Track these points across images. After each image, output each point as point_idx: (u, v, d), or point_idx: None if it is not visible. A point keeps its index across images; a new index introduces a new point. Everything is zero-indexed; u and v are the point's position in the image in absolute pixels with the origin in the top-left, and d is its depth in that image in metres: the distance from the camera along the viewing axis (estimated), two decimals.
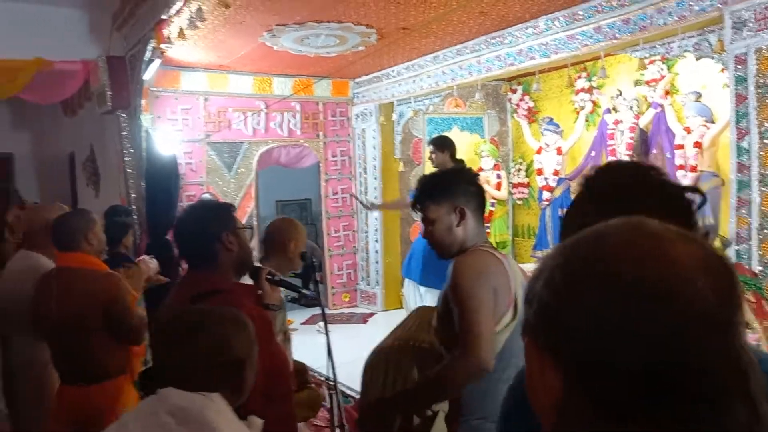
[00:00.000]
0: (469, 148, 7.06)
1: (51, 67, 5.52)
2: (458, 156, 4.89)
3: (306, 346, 3.44)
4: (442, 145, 4.89)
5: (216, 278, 2.01)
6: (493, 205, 6.66)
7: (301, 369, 3.00)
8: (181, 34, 4.58)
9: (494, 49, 5.19)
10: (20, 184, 8.63)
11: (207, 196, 6.05)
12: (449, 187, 2.00)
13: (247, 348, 1.52)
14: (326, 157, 7.17)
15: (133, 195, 5.91)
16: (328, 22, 4.72)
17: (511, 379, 1.18)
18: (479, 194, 2.02)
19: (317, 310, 2.61)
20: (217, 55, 5.62)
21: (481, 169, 6.67)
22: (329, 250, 7.26)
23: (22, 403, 3.05)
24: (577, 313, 0.56)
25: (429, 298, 4.48)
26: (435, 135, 6.84)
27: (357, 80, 7.08)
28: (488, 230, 6.65)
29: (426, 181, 2.07)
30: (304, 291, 2.62)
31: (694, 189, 1.05)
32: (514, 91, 6.95)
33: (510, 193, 6.98)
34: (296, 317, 6.18)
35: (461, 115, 7.17)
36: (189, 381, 1.39)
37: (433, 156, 4.87)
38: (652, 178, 1.05)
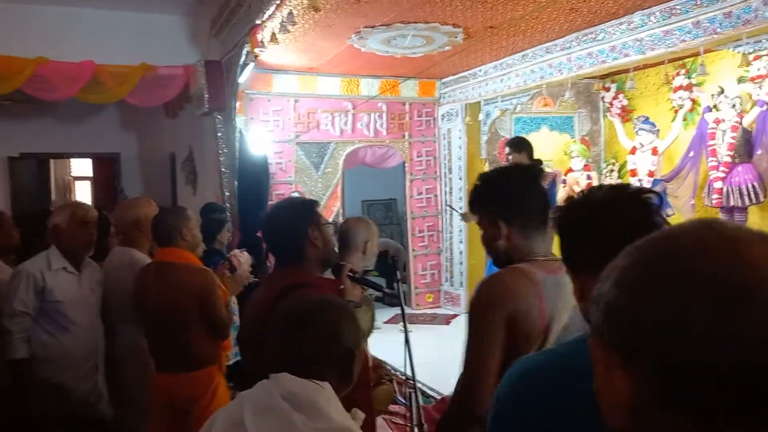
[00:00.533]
0: (558, 148, 6.89)
1: (155, 72, 5.87)
2: (547, 157, 4.82)
3: (388, 345, 3.49)
4: (519, 145, 4.87)
5: (302, 273, 2.08)
6: None
7: (377, 365, 3.04)
8: (274, 38, 4.74)
9: (586, 46, 5.05)
10: (126, 183, 9.21)
11: (296, 194, 6.22)
12: (488, 198, 1.82)
13: (356, 339, 1.57)
14: (411, 157, 7.21)
15: (227, 193, 6.18)
16: (415, 22, 4.75)
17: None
18: (531, 203, 1.77)
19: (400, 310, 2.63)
20: (307, 57, 5.78)
21: (570, 170, 6.50)
22: (413, 250, 7.29)
23: (126, 389, 3.27)
24: (655, 311, 0.55)
25: None
26: (521, 135, 6.77)
27: (443, 80, 7.08)
28: None
29: (474, 186, 1.89)
30: (386, 290, 2.65)
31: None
32: (607, 89, 6.72)
33: None
34: (379, 316, 6.25)
35: (550, 115, 7.01)
36: (302, 368, 1.45)
37: (510, 157, 4.87)
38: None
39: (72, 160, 10.63)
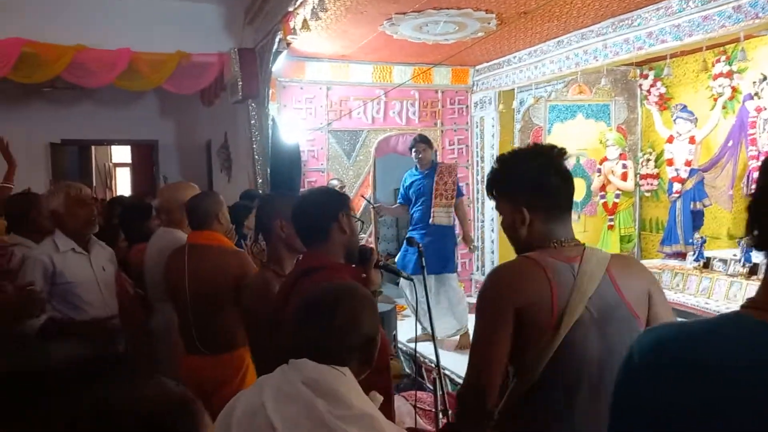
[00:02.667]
0: (593, 136, 6.77)
1: (190, 59, 5.96)
2: (581, 145, 4.75)
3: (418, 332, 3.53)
4: None
5: (325, 256, 2.10)
6: (617, 196, 6.36)
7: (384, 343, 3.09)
8: (305, 25, 4.76)
9: (622, 32, 4.94)
10: (163, 169, 9.40)
11: (335, 182, 6.24)
12: (508, 183, 1.76)
13: (376, 325, 1.60)
14: (443, 145, 7.17)
15: (259, 180, 6.25)
16: (447, 8, 4.71)
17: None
18: (553, 187, 1.70)
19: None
20: (339, 44, 5.79)
21: (605, 159, 6.39)
22: None
23: (161, 365, 3.35)
24: None
25: None
26: (557, 123, 6.67)
27: (477, 67, 7.01)
28: (612, 223, 6.37)
29: (491, 170, 1.82)
30: (404, 275, 2.66)
31: None
32: (644, 77, 6.56)
33: (637, 185, 6.61)
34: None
35: (586, 102, 6.88)
36: (322, 355, 1.48)
37: None
38: None
39: (112, 146, 10.88)
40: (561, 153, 1.73)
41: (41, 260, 2.97)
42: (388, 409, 1.93)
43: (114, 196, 8.62)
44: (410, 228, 5.63)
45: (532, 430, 1.66)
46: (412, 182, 5.60)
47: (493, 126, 6.97)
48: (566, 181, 1.73)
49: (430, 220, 5.41)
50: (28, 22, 5.36)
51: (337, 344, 1.51)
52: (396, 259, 5.49)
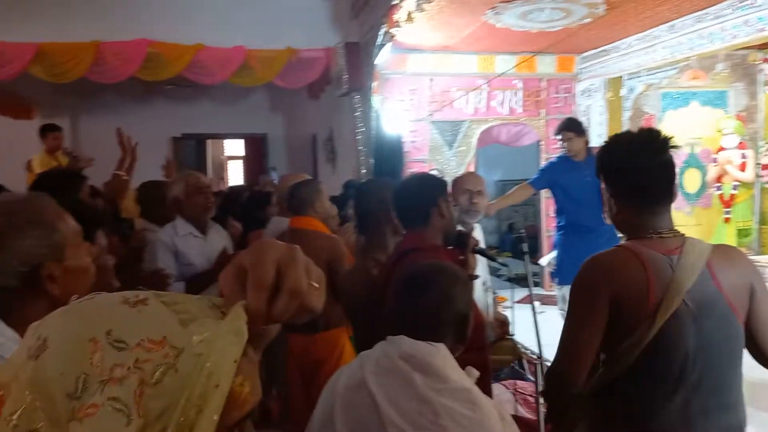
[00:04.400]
0: (709, 125, 6.41)
1: (298, 55, 6.23)
2: (697, 134, 4.51)
3: (518, 324, 3.54)
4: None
5: (424, 239, 2.19)
6: (735, 188, 6.00)
7: (503, 320, 3.11)
8: (409, 17, 4.85)
9: (742, 13, 4.65)
10: (272, 162, 9.84)
11: (435, 172, 6.33)
12: (603, 166, 1.74)
13: (468, 303, 1.66)
14: (548, 135, 7.04)
15: (363, 171, 6.43)
16: None
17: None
18: (643, 177, 1.65)
19: (535, 290, 2.68)
20: (442, 35, 5.83)
21: (722, 148, 6.05)
22: (547, 230, 7.15)
23: (274, 341, 3.56)
24: None
25: None
26: (670, 111, 6.37)
27: (583, 55, 6.82)
28: (729, 215, 6.02)
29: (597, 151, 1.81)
30: (500, 261, 2.71)
31: None
32: (767, 61, 6.14)
33: (758, 176, 6.21)
34: (511, 295, 6.22)
35: (702, 89, 6.53)
36: (417, 330, 1.54)
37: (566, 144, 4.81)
38: None
39: (225, 140, 11.50)
40: (665, 140, 1.68)
41: (165, 242, 3.21)
42: (485, 387, 1.98)
43: (230, 186, 9.17)
44: (580, 231, 4.72)
45: (618, 418, 1.65)
46: (569, 173, 4.78)
47: (601, 115, 6.77)
48: (665, 169, 1.68)
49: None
50: (154, 24, 5.80)
51: (431, 319, 1.56)
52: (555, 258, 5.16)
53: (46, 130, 6.07)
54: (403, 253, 2.09)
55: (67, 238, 1.25)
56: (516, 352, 3.15)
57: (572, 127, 4.86)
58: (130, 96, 8.25)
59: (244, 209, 4.81)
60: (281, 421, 3.44)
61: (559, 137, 4.86)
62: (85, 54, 5.59)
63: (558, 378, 1.68)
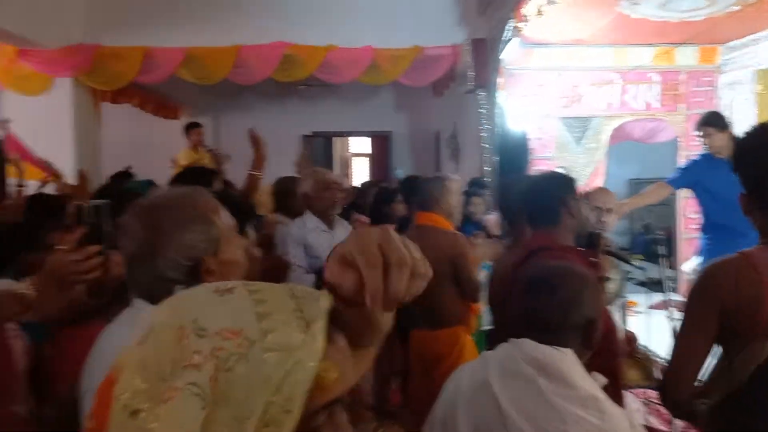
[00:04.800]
0: None
1: (425, 52, 6.29)
2: None
3: (652, 331, 3.36)
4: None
5: (555, 237, 2.14)
6: None
7: (630, 338, 2.98)
8: (539, 12, 4.75)
9: None
10: (396, 159, 10.02)
11: (561, 170, 6.16)
12: (736, 160, 1.63)
13: (598, 308, 1.60)
14: (687, 131, 6.60)
15: (487, 168, 6.38)
16: None
17: None
18: None
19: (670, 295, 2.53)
20: (572, 28, 5.64)
21: None
22: (684, 232, 6.71)
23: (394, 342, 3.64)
24: None
25: None
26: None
27: (728, 45, 6.32)
28: None
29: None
30: (634, 264, 2.58)
31: None
32: None
33: None
34: (645, 300, 5.90)
35: None
36: (541, 333, 1.50)
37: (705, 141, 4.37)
38: None
39: (350, 138, 11.83)
40: None
41: (294, 236, 3.40)
42: (615, 395, 1.91)
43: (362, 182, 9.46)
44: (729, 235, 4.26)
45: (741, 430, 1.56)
46: (713, 172, 4.38)
47: (748, 109, 6.24)
48: None
49: None
50: (289, 27, 6.09)
51: (558, 320, 1.51)
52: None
53: (190, 127, 6.61)
54: (532, 252, 2.06)
55: (223, 232, 1.28)
56: (650, 376, 3.00)
57: (713, 122, 4.53)
58: (265, 96, 8.74)
59: (372, 205, 4.98)
60: (401, 411, 3.51)
61: (700, 133, 4.57)
62: (227, 57, 5.99)
63: (664, 386, 1.65)
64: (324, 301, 0.63)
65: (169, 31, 6.06)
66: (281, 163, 5.65)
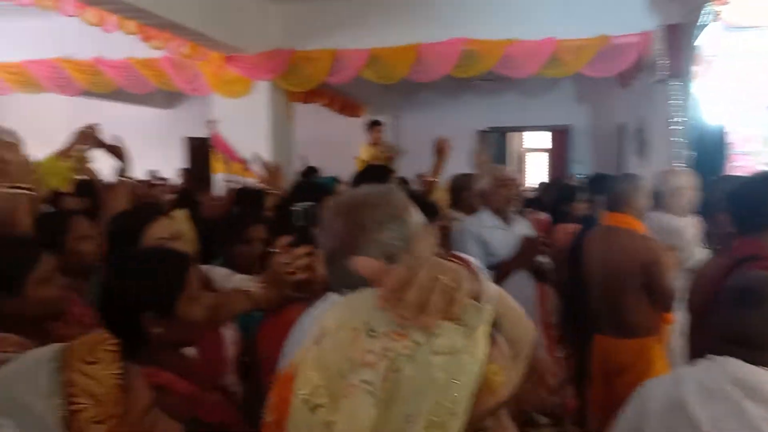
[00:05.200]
0: None
1: (610, 41, 5.97)
2: None
3: None
4: None
5: (765, 245, 1.96)
6: None
7: None
8: None
9: None
10: (575, 154, 9.64)
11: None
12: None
13: None
14: None
15: (678, 164, 5.91)
16: None
17: None
18: None
19: None
20: None
21: None
22: None
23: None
24: None
25: None
26: None
27: None
28: None
29: None
30: None
31: None
32: None
33: None
34: None
35: None
36: (746, 350, 1.40)
37: None
38: None
39: (525, 132, 11.54)
40: None
41: (472, 233, 3.39)
42: None
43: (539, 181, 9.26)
44: None
45: None
46: None
47: None
48: None
49: None
50: (467, 23, 6.11)
51: (763, 338, 1.40)
52: None
53: (372, 125, 6.95)
54: (739, 261, 1.89)
55: (416, 230, 1.31)
56: None
57: None
58: (443, 92, 8.87)
59: (553, 203, 4.91)
60: (579, 418, 3.40)
61: None
62: (408, 56, 6.17)
63: None
64: (487, 309, 0.65)
65: (355, 33, 6.39)
66: (456, 159, 5.70)
